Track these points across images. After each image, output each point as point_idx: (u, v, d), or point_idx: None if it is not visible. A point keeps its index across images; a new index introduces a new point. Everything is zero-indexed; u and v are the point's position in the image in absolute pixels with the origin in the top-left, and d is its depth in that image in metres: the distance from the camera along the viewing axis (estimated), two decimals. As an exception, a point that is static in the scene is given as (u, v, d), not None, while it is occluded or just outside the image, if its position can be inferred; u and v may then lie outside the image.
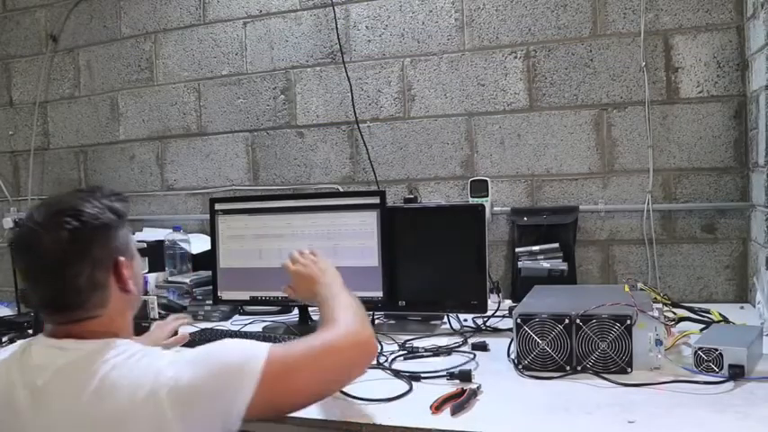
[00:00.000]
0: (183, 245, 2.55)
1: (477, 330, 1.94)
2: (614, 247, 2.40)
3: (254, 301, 2.15)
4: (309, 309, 2.14)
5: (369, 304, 2.01)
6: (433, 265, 2.02)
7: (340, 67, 2.69)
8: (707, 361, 1.43)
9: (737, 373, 1.39)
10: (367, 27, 2.67)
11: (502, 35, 2.49)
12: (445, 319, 2.04)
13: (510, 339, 1.67)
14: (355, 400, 1.40)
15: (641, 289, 1.77)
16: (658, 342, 1.49)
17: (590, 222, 2.41)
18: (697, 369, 1.44)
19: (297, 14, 2.77)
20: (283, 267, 1.58)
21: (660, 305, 1.61)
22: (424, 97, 2.61)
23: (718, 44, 2.25)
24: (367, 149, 2.67)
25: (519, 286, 2.29)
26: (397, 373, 1.56)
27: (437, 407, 1.32)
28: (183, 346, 1.66)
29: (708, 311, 1.87)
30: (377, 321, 2.08)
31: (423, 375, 1.52)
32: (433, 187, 2.61)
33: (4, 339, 2.05)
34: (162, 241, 2.54)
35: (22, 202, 3.36)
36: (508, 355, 1.65)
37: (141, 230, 2.90)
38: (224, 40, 2.91)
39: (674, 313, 1.84)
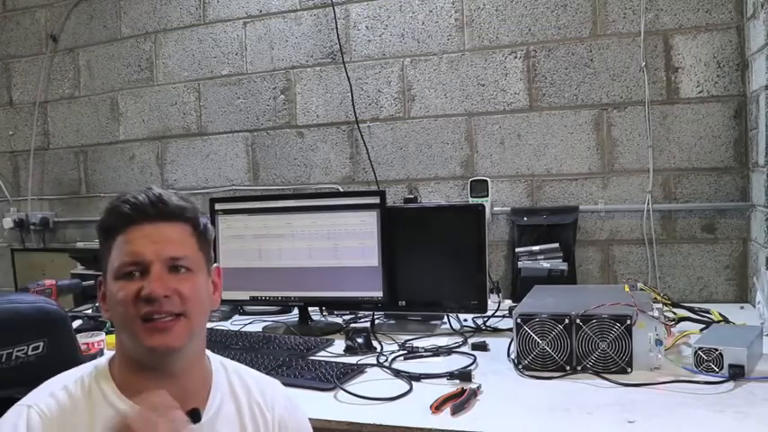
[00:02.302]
0: (183, 245, 2.55)
1: (477, 330, 1.94)
2: (614, 247, 2.40)
3: (254, 300, 2.15)
4: (309, 308, 2.14)
5: (369, 304, 2.03)
6: (433, 266, 2.01)
7: (340, 67, 2.69)
8: (707, 361, 1.43)
9: (737, 373, 1.39)
10: (367, 27, 2.67)
11: (502, 35, 2.49)
12: (445, 319, 2.04)
13: (510, 339, 1.67)
14: (356, 400, 1.40)
15: (641, 289, 1.77)
16: (658, 342, 1.49)
17: (590, 222, 2.41)
18: (697, 369, 1.44)
19: (297, 14, 2.77)
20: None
21: (660, 305, 1.61)
22: (424, 97, 2.61)
23: (718, 44, 2.25)
24: (367, 149, 2.67)
25: (519, 286, 2.29)
26: (397, 373, 1.56)
27: (437, 407, 1.32)
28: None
29: (708, 311, 1.88)
30: (377, 321, 2.08)
31: (423, 375, 1.52)
32: (433, 187, 2.61)
33: None
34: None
35: (22, 202, 3.36)
36: (508, 355, 1.65)
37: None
38: (224, 40, 2.91)
39: (674, 313, 1.85)
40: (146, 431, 0.82)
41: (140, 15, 3.05)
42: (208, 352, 1.06)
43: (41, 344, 1.18)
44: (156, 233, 0.96)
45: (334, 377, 1.50)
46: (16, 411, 0.92)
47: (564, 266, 2.29)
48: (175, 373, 0.97)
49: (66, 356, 1.22)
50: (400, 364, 1.64)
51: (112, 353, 1.01)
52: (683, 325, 1.77)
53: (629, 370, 1.47)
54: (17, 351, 1.15)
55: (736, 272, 2.27)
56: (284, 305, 2.25)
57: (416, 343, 1.82)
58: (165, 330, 0.93)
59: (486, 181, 2.49)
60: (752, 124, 2.15)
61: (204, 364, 1.04)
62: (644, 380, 1.42)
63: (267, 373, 1.54)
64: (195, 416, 0.96)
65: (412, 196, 2.60)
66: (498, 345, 1.73)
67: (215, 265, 1.07)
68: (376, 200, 2.01)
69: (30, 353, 1.17)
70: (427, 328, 2.01)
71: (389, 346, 1.81)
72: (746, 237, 2.25)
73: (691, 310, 1.90)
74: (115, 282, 0.95)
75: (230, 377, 1.06)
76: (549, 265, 2.30)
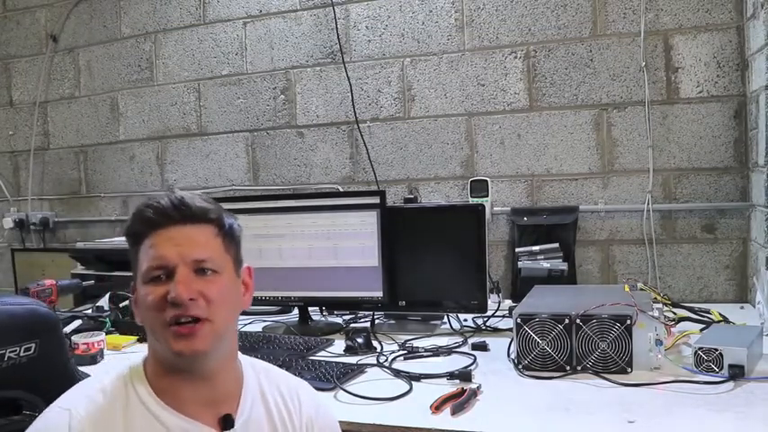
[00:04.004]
0: (183, 245, 2.55)
1: (477, 330, 1.94)
2: (614, 247, 2.40)
3: (254, 300, 2.13)
4: (309, 308, 2.14)
5: (369, 304, 2.03)
6: (433, 266, 2.01)
7: (340, 67, 2.69)
8: (707, 361, 1.43)
9: (737, 373, 1.39)
10: (367, 27, 2.67)
11: (502, 35, 2.49)
12: (445, 319, 2.04)
13: (510, 339, 1.67)
14: (356, 400, 1.40)
15: (641, 289, 1.77)
16: (658, 342, 1.49)
17: (590, 222, 2.41)
18: (697, 369, 1.44)
19: (297, 14, 2.77)
20: None
21: (660, 305, 1.61)
22: (424, 97, 2.61)
23: (718, 44, 2.25)
24: (367, 149, 2.67)
25: (519, 286, 2.29)
26: (397, 373, 1.57)
27: (437, 407, 1.32)
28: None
29: (708, 311, 1.88)
30: (377, 321, 2.08)
31: (423, 375, 1.52)
32: (433, 187, 2.61)
33: None
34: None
35: (23, 202, 3.36)
36: (508, 355, 1.65)
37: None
38: (224, 40, 2.91)
39: (674, 313, 1.85)
40: None
41: (140, 15, 3.05)
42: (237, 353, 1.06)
43: (33, 345, 1.18)
44: (179, 236, 0.96)
45: (335, 377, 1.50)
46: (56, 414, 0.91)
47: (564, 266, 2.29)
48: (207, 376, 0.97)
49: (57, 358, 1.23)
50: (400, 364, 1.64)
51: (146, 352, 1.01)
52: (683, 325, 1.77)
53: (629, 370, 1.47)
54: (9, 352, 1.16)
55: (736, 272, 2.27)
56: (284, 305, 2.24)
57: (416, 343, 1.82)
58: (190, 335, 0.93)
59: (486, 181, 2.49)
60: (752, 124, 2.15)
61: (236, 366, 1.04)
62: (644, 380, 1.42)
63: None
64: (228, 422, 0.96)
65: (412, 196, 2.60)
66: (498, 345, 1.73)
67: (245, 265, 1.06)
68: (376, 200, 2.01)
69: (22, 354, 1.17)
70: (427, 328, 2.01)
71: (389, 346, 1.81)
72: (746, 237, 2.25)
73: (691, 310, 1.90)
74: (144, 286, 0.95)
75: (260, 379, 1.06)
76: (549, 265, 2.30)
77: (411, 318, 2.11)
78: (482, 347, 1.74)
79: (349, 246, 2.01)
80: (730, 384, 1.37)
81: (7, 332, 1.16)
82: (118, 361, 1.23)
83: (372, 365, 1.63)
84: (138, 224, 0.97)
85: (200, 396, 0.96)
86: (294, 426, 1.05)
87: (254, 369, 1.06)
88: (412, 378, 1.51)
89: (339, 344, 1.85)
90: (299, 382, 1.13)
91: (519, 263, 2.36)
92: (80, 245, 2.74)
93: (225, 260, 1.00)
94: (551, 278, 2.24)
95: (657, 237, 2.33)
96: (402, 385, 1.48)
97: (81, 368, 1.43)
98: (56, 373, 1.20)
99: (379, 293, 1.98)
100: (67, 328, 1.89)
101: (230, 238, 1.02)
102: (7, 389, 1.16)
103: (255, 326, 2.16)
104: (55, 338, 1.24)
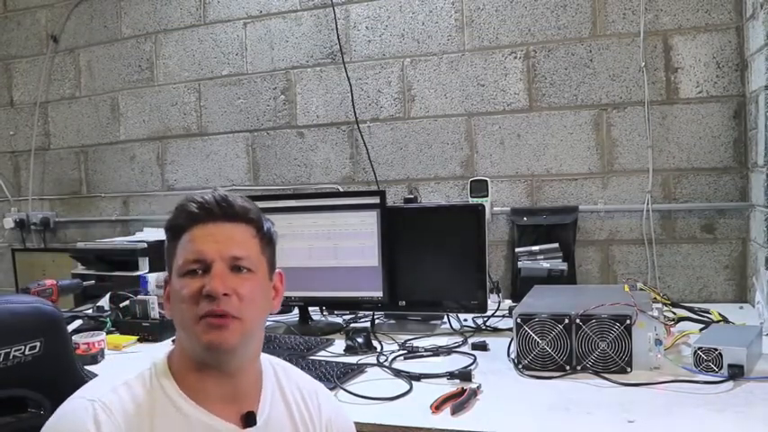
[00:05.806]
0: (184, 245, 2.55)
1: (477, 330, 1.94)
2: (614, 247, 2.40)
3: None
4: (309, 308, 2.15)
5: (369, 304, 2.03)
6: (433, 265, 2.02)
7: (340, 67, 2.69)
8: (706, 361, 1.44)
9: (737, 373, 1.39)
10: (367, 27, 2.67)
11: (502, 35, 2.49)
12: (445, 319, 2.04)
13: (510, 339, 1.67)
14: (356, 400, 1.40)
15: (641, 289, 1.77)
16: (658, 342, 1.49)
17: (590, 222, 2.42)
18: (697, 369, 1.44)
19: (297, 15, 2.77)
20: None
21: (660, 305, 1.61)
22: (424, 97, 2.61)
23: (718, 44, 2.25)
24: (367, 149, 2.68)
25: (519, 286, 2.29)
26: (397, 373, 1.57)
27: (437, 406, 1.33)
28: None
29: (707, 311, 1.88)
30: (377, 321, 2.08)
31: (423, 375, 1.52)
32: (433, 187, 2.62)
33: None
34: (162, 241, 2.53)
35: (23, 202, 3.36)
36: (508, 355, 1.65)
37: (141, 230, 2.90)
38: (224, 40, 2.91)
39: (674, 313, 1.85)
40: None
41: (141, 16, 3.06)
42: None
43: (38, 344, 1.19)
44: (219, 232, 0.97)
45: (335, 377, 1.51)
46: (79, 405, 0.90)
47: (564, 266, 2.29)
48: (232, 373, 0.98)
49: (63, 356, 1.23)
50: (400, 364, 1.65)
51: (171, 348, 1.01)
52: (683, 325, 1.77)
53: (629, 370, 1.47)
54: (15, 351, 1.16)
55: (735, 272, 2.28)
56: (284, 305, 2.24)
57: (416, 343, 1.82)
58: (221, 327, 0.93)
59: (485, 181, 2.49)
60: (751, 124, 2.16)
61: (257, 364, 1.04)
62: (644, 380, 1.43)
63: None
64: (251, 419, 0.97)
65: (412, 196, 2.60)
66: (498, 345, 1.73)
67: (277, 270, 1.07)
68: (376, 200, 2.01)
69: (27, 352, 1.18)
70: (427, 328, 2.01)
71: (389, 346, 1.81)
72: (746, 237, 2.25)
73: (690, 309, 1.91)
74: (179, 279, 0.97)
75: (279, 377, 1.07)
76: (548, 265, 2.30)
77: (411, 318, 2.11)
78: (482, 347, 1.74)
79: (349, 246, 2.01)
80: (730, 384, 1.38)
81: (12, 331, 1.17)
82: (120, 361, 1.22)
83: (372, 365, 1.64)
84: (180, 217, 0.99)
85: (223, 392, 0.97)
86: (314, 425, 1.06)
87: (272, 366, 1.07)
88: (412, 378, 1.51)
89: (339, 344, 1.85)
90: (316, 382, 1.14)
91: (519, 263, 2.37)
92: (80, 245, 2.74)
93: (260, 261, 1.01)
94: (551, 278, 2.24)
95: (657, 237, 2.33)
96: (402, 385, 1.48)
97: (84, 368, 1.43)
98: (61, 371, 1.20)
99: (379, 293, 1.98)
100: (68, 328, 1.89)
101: (267, 241, 1.04)
102: (13, 387, 1.16)
103: (256, 326, 2.16)
104: (60, 337, 1.24)
